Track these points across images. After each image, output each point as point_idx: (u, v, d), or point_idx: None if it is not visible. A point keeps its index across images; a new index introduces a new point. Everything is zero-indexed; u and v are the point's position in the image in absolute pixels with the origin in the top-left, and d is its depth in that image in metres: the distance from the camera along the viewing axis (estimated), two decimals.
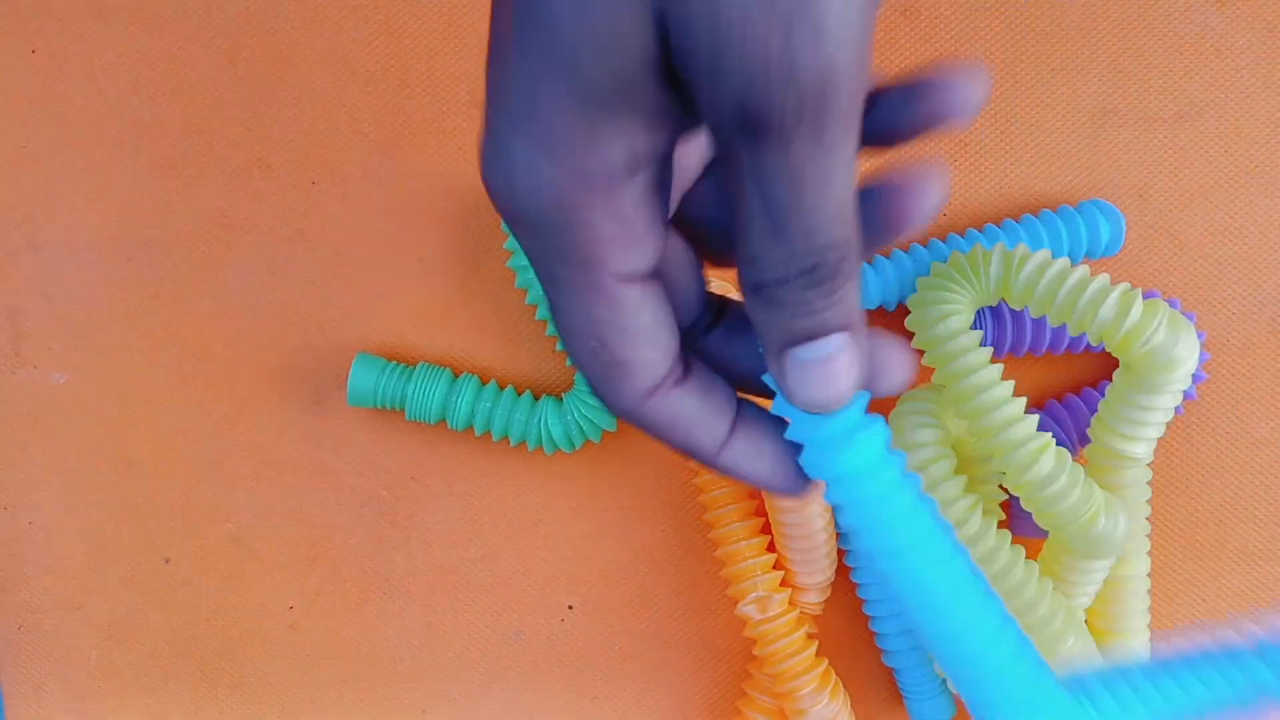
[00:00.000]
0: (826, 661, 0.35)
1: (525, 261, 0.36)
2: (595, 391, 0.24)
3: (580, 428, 0.37)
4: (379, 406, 0.37)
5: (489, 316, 0.39)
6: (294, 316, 0.39)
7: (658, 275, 0.23)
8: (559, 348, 0.37)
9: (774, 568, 0.36)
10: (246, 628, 0.40)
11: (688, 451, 0.24)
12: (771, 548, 0.36)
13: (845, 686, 0.36)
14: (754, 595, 0.35)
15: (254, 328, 0.39)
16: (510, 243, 0.37)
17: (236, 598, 0.39)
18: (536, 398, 0.37)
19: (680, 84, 0.20)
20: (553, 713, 0.40)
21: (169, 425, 0.39)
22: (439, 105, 0.38)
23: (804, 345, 0.21)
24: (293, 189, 0.39)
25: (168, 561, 0.39)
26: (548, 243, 0.22)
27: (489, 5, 0.22)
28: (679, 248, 0.25)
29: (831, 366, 0.22)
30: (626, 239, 0.22)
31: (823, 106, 0.19)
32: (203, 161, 0.39)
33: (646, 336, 0.23)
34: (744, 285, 0.21)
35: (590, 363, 0.23)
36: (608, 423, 0.37)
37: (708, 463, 0.23)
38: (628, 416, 0.24)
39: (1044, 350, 0.36)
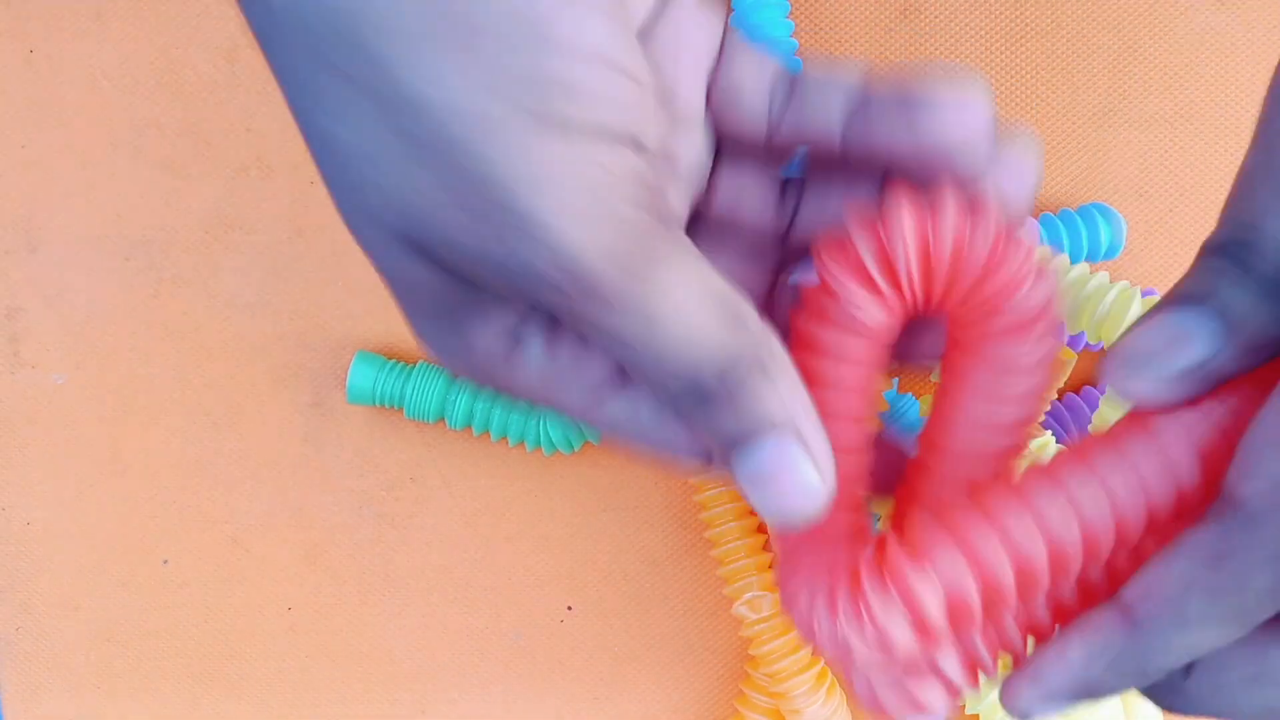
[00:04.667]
0: (822, 662, 0.35)
1: None
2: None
3: (580, 428, 0.37)
4: (378, 404, 0.37)
5: None
6: (293, 317, 0.39)
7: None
8: None
9: (770, 567, 0.35)
10: (245, 629, 0.39)
11: (562, 409, 0.22)
12: (768, 547, 0.36)
13: (842, 687, 0.36)
14: (749, 595, 0.35)
15: (252, 328, 0.39)
16: None
17: (235, 599, 0.39)
18: None
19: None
20: (552, 714, 0.39)
21: (167, 425, 0.39)
22: None
23: (743, 450, 0.19)
24: (292, 189, 0.39)
25: (166, 562, 0.39)
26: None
27: None
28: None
29: (781, 477, 0.19)
30: (559, 381, 0.21)
31: (590, 287, 0.18)
32: (201, 161, 0.39)
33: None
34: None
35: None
36: None
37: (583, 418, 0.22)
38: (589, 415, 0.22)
39: None
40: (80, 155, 0.39)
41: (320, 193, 0.38)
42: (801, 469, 0.19)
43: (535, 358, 0.21)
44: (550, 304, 0.19)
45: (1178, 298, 0.19)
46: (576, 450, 0.37)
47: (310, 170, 0.38)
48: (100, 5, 0.39)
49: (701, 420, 0.19)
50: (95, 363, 0.39)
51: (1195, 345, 0.19)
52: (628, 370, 0.20)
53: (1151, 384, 0.19)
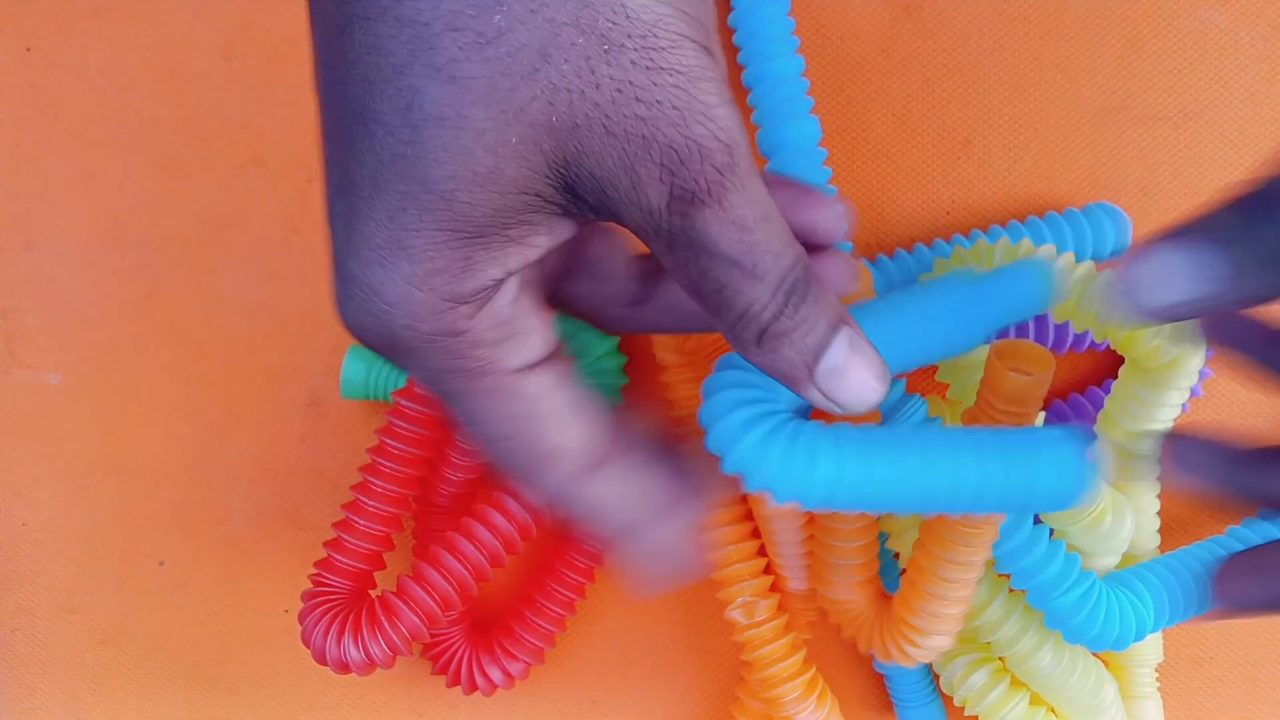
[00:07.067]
0: (814, 668, 0.35)
1: None
2: (526, 487, 0.24)
3: None
4: (371, 399, 0.37)
5: None
6: (289, 316, 0.39)
7: (556, 356, 0.24)
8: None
9: (765, 572, 0.35)
10: (242, 631, 0.39)
11: (621, 534, 0.25)
12: (763, 552, 0.36)
13: (836, 693, 0.36)
14: (741, 600, 0.34)
15: (249, 327, 0.39)
16: None
17: (232, 601, 0.39)
18: None
19: (578, 202, 0.22)
20: (552, 715, 0.39)
21: (163, 426, 0.39)
22: None
23: (824, 356, 0.22)
24: (288, 188, 0.38)
25: (162, 564, 0.39)
26: (435, 364, 0.23)
27: None
28: (603, 240, 0.27)
29: (854, 363, 0.22)
30: (510, 336, 0.23)
31: (734, 161, 0.21)
32: (198, 160, 0.39)
33: (566, 418, 0.24)
34: (745, 344, 0.22)
35: (516, 461, 0.24)
36: None
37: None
38: (560, 502, 0.24)
39: (1048, 348, 0.36)
40: (76, 154, 0.39)
41: (317, 192, 0.38)
42: (871, 351, 0.23)
43: (512, 291, 0.23)
44: (680, 194, 0.21)
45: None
46: None
47: (307, 168, 0.38)
48: (97, 3, 0.38)
49: (799, 316, 0.22)
50: (91, 363, 0.39)
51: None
52: (728, 290, 0.22)
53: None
